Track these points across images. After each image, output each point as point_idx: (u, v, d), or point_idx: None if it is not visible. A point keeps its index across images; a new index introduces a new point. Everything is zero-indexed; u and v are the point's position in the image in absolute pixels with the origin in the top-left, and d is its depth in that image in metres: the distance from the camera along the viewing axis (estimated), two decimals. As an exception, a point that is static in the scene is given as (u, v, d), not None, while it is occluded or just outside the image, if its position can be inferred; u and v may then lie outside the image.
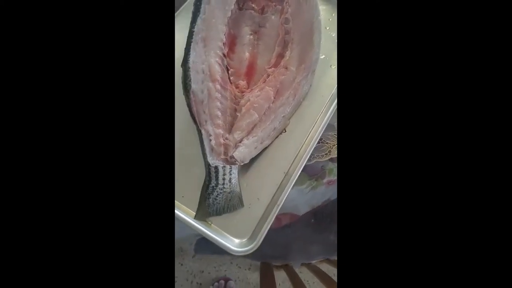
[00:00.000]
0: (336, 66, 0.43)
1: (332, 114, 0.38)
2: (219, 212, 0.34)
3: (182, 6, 0.47)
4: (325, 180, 0.37)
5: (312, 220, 0.52)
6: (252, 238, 0.33)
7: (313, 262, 0.56)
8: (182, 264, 1.00)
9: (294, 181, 0.34)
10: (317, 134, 0.37)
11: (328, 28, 0.46)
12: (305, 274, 0.60)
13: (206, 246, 0.52)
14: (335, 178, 0.37)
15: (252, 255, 0.59)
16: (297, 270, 0.57)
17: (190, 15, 0.37)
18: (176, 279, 0.98)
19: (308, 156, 0.35)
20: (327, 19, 0.47)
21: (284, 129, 0.39)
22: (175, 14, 0.46)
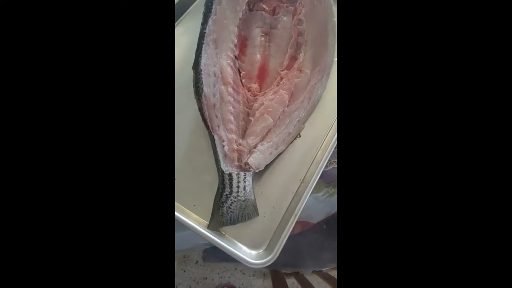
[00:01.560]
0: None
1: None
2: (233, 222, 0.33)
3: (189, 9, 0.46)
4: (342, 187, 0.35)
5: (324, 226, 0.51)
6: (268, 249, 0.31)
7: (324, 269, 0.55)
8: (185, 271, 0.98)
9: (312, 188, 0.33)
10: (334, 139, 0.36)
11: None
12: (316, 282, 0.58)
13: (216, 254, 0.50)
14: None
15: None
16: (308, 277, 0.55)
17: (196, 17, 0.36)
18: (179, 286, 0.96)
19: (325, 162, 0.34)
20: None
21: (299, 134, 0.37)
22: (182, 16, 0.45)
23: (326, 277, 0.53)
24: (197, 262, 0.98)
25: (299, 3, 0.40)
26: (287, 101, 0.36)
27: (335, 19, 0.39)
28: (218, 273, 0.98)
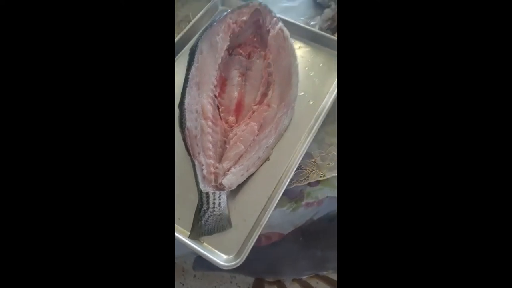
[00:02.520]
0: (313, 101, 0.49)
1: (309, 143, 0.44)
2: (210, 232, 0.40)
3: (181, 52, 0.54)
4: (303, 202, 0.42)
5: (301, 238, 0.57)
6: (238, 254, 0.38)
7: (304, 278, 0.60)
8: (183, 284, 1.03)
9: (275, 203, 0.40)
10: (295, 162, 0.43)
11: (307, 68, 0.53)
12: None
13: (202, 263, 0.56)
14: (313, 200, 0.42)
15: (247, 272, 0.63)
16: (288, 285, 0.60)
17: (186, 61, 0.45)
18: (178, 299, 1.01)
19: (288, 182, 0.41)
20: (306, 60, 0.54)
21: (268, 158, 0.45)
22: (175, 58, 0.54)
23: (305, 285, 0.59)
24: (195, 276, 1.04)
25: (268, 50, 0.48)
26: (257, 131, 0.44)
27: (297, 62, 0.47)
28: (215, 286, 1.03)
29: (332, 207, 0.47)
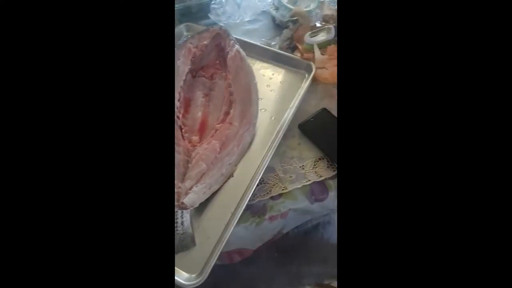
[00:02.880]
0: (275, 117, 0.51)
1: (271, 156, 0.45)
2: (174, 252, 0.40)
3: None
4: (266, 216, 0.43)
5: (276, 254, 0.57)
6: (201, 273, 0.38)
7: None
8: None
9: (237, 220, 0.40)
10: (258, 177, 0.44)
11: (268, 86, 0.55)
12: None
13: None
14: (276, 213, 0.43)
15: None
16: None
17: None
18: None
19: (249, 197, 0.42)
20: (268, 78, 0.56)
21: (232, 174, 0.46)
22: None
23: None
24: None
25: (227, 71, 0.51)
26: (219, 149, 0.45)
27: (256, 81, 0.50)
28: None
29: (298, 219, 0.47)
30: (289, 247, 0.57)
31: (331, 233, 0.59)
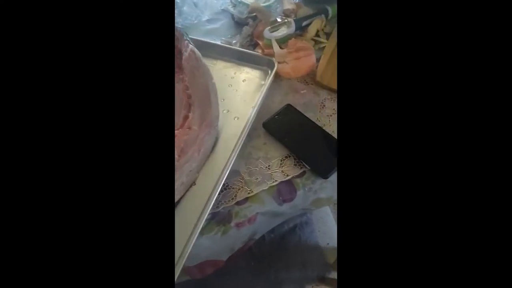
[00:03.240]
0: (238, 117, 0.48)
1: (235, 159, 0.42)
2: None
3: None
4: (232, 224, 0.40)
5: (253, 263, 0.54)
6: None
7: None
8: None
9: (198, 231, 0.37)
10: (222, 182, 0.41)
11: (230, 85, 0.53)
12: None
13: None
14: (243, 219, 0.40)
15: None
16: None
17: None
18: None
19: (211, 205, 0.39)
20: (230, 77, 0.54)
21: (194, 182, 0.43)
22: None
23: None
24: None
25: (183, 72, 0.48)
26: (178, 156, 0.42)
27: (214, 81, 0.47)
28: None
29: (268, 223, 0.45)
30: (266, 253, 0.54)
31: (309, 234, 0.56)
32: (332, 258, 0.59)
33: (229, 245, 0.42)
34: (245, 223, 0.40)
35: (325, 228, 0.61)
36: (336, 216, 0.67)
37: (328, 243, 0.60)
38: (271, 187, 0.42)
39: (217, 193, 0.40)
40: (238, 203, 0.41)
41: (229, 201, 0.41)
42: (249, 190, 0.41)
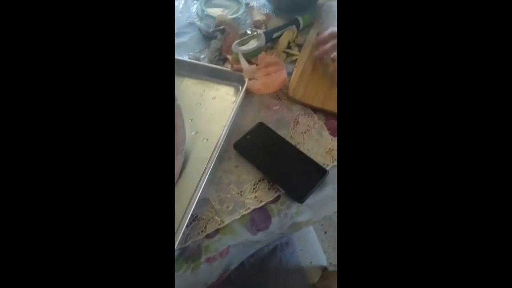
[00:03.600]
0: (208, 139, 0.45)
1: (204, 185, 0.39)
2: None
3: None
4: (202, 259, 0.37)
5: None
6: None
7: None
8: None
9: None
10: (190, 213, 0.38)
11: (199, 104, 0.50)
12: None
13: None
14: (214, 254, 0.37)
15: None
16: None
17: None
18: None
19: (178, 240, 0.35)
20: (199, 96, 0.51)
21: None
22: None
23: None
24: None
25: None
26: (140, 187, 0.39)
27: (179, 103, 0.44)
28: None
29: (243, 253, 0.42)
30: (246, 279, 0.51)
31: (290, 255, 0.53)
32: (316, 277, 0.57)
33: (201, 281, 0.39)
34: (216, 257, 0.37)
35: (307, 246, 0.59)
36: (317, 234, 0.65)
37: (311, 262, 0.58)
38: (243, 216, 0.39)
39: (185, 225, 0.37)
40: (208, 236, 0.38)
41: (198, 234, 0.38)
42: (220, 221, 0.38)
